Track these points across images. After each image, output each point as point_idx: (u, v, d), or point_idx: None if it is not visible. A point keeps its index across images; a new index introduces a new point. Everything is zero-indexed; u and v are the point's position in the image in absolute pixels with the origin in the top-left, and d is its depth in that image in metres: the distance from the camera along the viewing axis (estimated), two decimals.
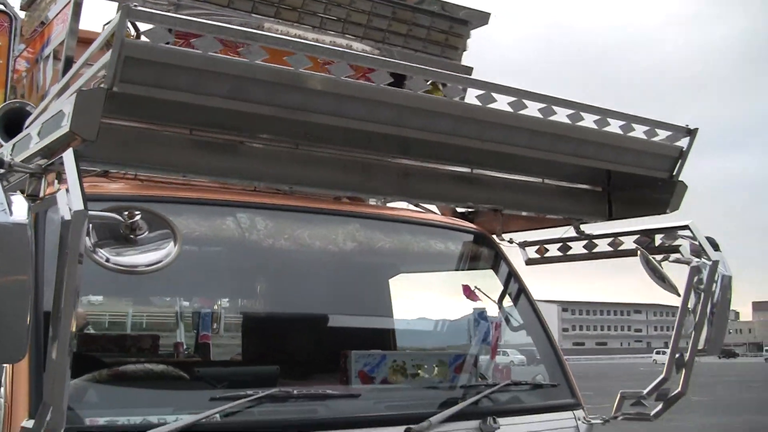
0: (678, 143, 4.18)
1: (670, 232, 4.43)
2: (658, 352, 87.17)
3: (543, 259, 5.01)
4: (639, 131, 4.00)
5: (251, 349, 4.91)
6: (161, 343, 5.03)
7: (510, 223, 4.88)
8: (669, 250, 4.41)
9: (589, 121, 3.79)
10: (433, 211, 4.94)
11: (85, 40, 3.57)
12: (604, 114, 3.82)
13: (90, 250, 2.64)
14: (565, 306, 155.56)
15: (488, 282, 4.69)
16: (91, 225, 2.62)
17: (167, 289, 4.46)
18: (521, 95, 3.51)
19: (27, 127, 3.12)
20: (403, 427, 3.57)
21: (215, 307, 5.22)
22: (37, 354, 2.90)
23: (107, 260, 2.69)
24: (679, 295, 4.10)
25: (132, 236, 2.76)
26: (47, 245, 3.13)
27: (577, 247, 4.87)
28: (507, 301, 4.68)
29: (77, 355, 2.57)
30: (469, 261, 4.83)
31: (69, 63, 3.73)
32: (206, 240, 3.87)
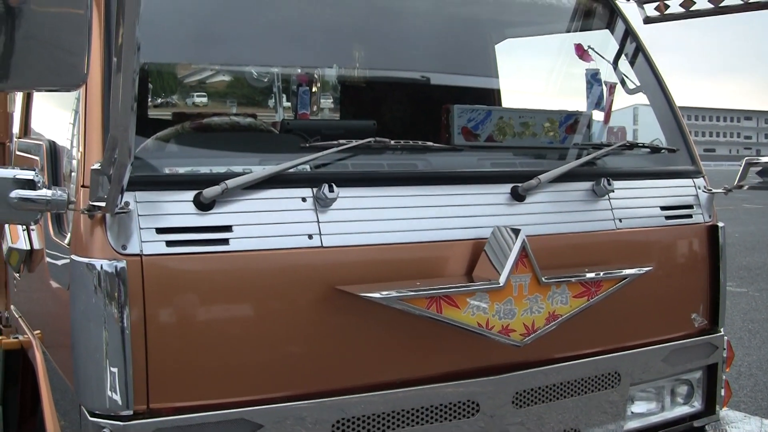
0: None
1: None
2: None
3: (663, 17, 4.54)
4: None
5: (349, 110, 4.66)
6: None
7: None
8: None
9: None
10: None
11: None
12: None
13: None
14: None
15: (603, 42, 4.30)
16: None
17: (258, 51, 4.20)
18: None
19: None
20: (510, 185, 3.36)
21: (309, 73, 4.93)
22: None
23: None
24: None
25: None
26: None
27: (702, 2, 4.40)
28: (623, 62, 4.30)
29: (155, 118, 2.29)
30: (582, 19, 4.41)
31: None
32: None
